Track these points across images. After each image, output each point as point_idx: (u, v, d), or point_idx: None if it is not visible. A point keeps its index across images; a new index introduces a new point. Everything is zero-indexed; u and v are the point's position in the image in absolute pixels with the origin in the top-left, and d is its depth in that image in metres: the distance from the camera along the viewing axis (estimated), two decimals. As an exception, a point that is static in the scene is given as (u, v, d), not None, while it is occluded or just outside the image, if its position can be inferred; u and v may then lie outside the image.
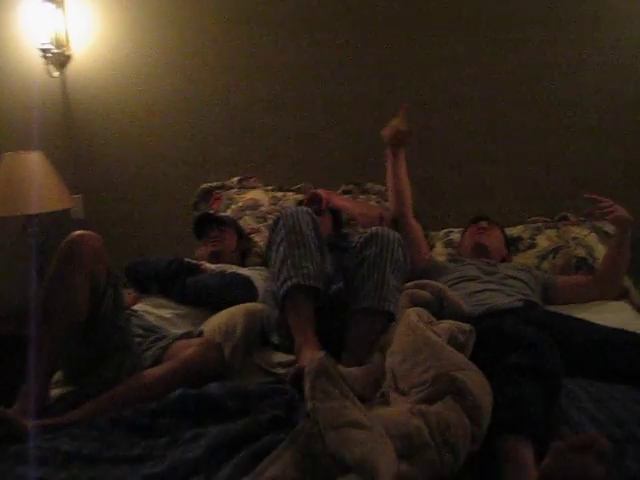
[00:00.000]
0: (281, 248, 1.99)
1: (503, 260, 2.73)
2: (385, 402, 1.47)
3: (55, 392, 1.93)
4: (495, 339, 1.61)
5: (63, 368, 2.00)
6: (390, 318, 1.92)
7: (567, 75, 3.04)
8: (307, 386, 1.22)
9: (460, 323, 1.63)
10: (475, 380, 1.33)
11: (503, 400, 1.38)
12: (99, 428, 1.54)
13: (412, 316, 1.60)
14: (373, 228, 2.01)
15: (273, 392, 1.64)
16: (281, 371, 1.98)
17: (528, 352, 1.48)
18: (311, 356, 1.56)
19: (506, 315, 2.04)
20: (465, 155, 3.15)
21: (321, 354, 1.29)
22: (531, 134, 3.10)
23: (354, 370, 1.65)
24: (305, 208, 2.09)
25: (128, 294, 2.50)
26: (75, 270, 1.79)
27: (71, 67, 3.36)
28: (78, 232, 1.85)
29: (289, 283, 1.92)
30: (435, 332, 1.52)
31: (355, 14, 3.14)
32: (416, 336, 1.50)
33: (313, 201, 2.71)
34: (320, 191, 2.77)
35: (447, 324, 1.60)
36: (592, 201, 2.41)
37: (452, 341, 1.55)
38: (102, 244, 1.88)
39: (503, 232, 2.82)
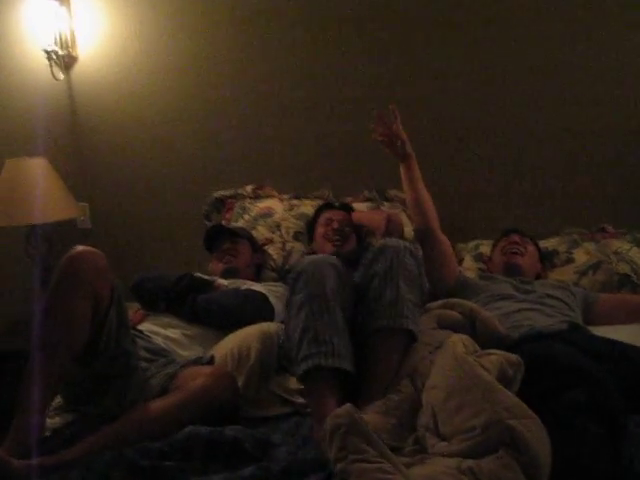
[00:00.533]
0: (302, 314, 1.71)
1: (538, 276, 2.54)
2: (421, 450, 1.26)
3: (53, 421, 1.78)
4: (548, 371, 1.42)
5: (62, 392, 1.86)
6: (410, 337, 1.72)
7: (601, 78, 2.87)
8: (334, 445, 1.02)
9: (508, 354, 1.43)
10: (534, 431, 1.13)
11: (563, 449, 1.18)
12: (97, 471, 1.36)
13: (458, 347, 1.40)
14: (381, 240, 1.83)
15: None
16: (300, 400, 1.81)
17: (591, 389, 1.28)
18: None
19: (550, 340, 1.83)
20: (494, 163, 2.99)
21: (347, 405, 1.09)
22: (563, 140, 2.93)
23: (371, 416, 1.43)
24: (330, 259, 1.82)
25: (135, 311, 2.35)
26: (75, 290, 1.64)
27: (77, 69, 3.24)
28: (78, 248, 1.70)
29: (309, 363, 1.64)
30: (484, 366, 1.32)
31: (371, 18, 2.99)
32: (464, 372, 1.30)
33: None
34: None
35: (495, 356, 1.40)
36: None
37: (500, 375, 1.35)
38: (105, 261, 1.72)
39: (537, 246, 2.62)
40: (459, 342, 1.45)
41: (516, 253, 2.48)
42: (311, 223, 2.80)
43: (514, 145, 2.96)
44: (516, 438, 1.10)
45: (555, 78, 2.89)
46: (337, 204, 2.82)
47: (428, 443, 1.27)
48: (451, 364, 1.36)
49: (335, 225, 2.63)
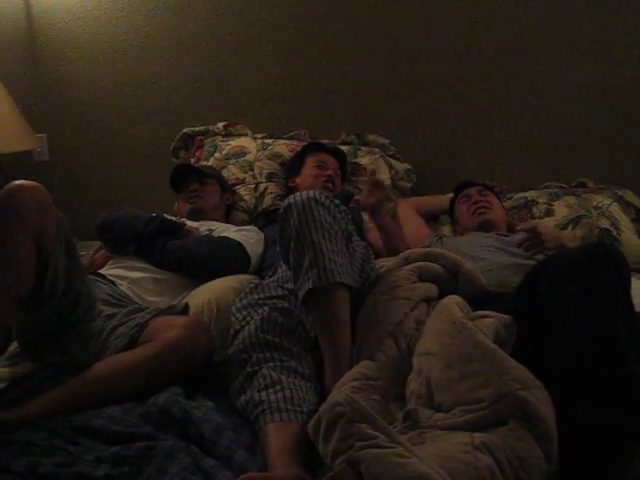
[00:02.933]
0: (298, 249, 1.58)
1: (510, 226, 2.51)
2: (413, 425, 1.18)
3: (11, 370, 1.67)
4: None
5: (19, 340, 1.74)
6: (348, 289, 1.57)
7: (585, 32, 2.80)
8: (335, 436, 0.93)
9: (501, 316, 1.35)
10: (543, 402, 1.07)
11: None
12: (64, 436, 1.27)
13: (455, 311, 1.32)
14: (289, 197, 1.65)
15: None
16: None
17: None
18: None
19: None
20: (474, 114, 2.91)
21: (345, 392, 1.00)
22: (545, 94, 2.87)
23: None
24: (319, 194, 1.65)
25: (97, 251, 2.30)
26: (17, 228, 1.49)
27: (37, -13, 2.99)
28: (16, 182, 1.52)
29: (308, 285, 1.52)
30: (482, 332, 1.24)
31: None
32: (465, 339, 1.21)
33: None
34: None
35: (489, 319, 1.32)
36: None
37: (495, 339, 1.28)
38: (48, 195, 1.56)
39: (493, 191, 2.59)
40: (455, 305, 1.36)
41: (484, 208, 2.44)
42: (298, 159, 2.67)
43: (495, 98, 2.88)
44: (528, 410, 1.04)
45: (539, 30, 2.80)
46: (330, 147, 2.70)
47: (421, 415, 1.19)
48: (449, 330, 1.28)
49: (330, 172, 2.54)
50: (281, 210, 1.63)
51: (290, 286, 1.69)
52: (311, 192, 1.62)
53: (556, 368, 1.23)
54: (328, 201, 1.62)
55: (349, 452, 0.97)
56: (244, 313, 1.65)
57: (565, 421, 1.11)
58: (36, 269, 1.52)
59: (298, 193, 1.64)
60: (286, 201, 1.63)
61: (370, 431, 0.98)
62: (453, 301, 1.40)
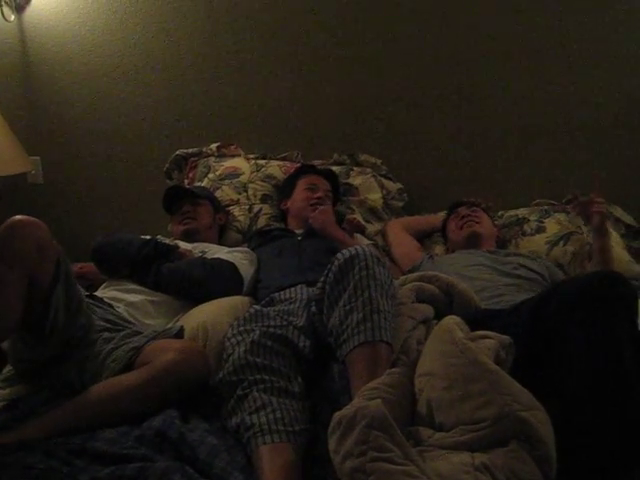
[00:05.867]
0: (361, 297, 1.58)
1: (502, 243, 2.58)
2: (415, 444, 1.19)
3: (4, 392, 1.66)
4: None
5: (13, 366, 1.74)
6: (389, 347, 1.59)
7: (582, 44, 2.81)
8: (352, 437, 0.93)
9: (501, 336, 1.37)
10: (544, 423, 1.08)
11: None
12: (59, 458, 1.26)
13: (456, 332, 1.32)
14: (351, 249, 1.66)
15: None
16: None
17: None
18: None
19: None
20: (464, 131, 2.92)
21: (378, 401, 1.01)
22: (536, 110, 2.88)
23: None
24: (378, 254, 1.72)
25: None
26: (10, 268, 1.48)
27: (30, 11, 3.00)
28: (16, 219, 1.52)
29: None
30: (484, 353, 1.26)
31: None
32: (467, 360, 1.22)
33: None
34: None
35: (490, 340, 1.33)
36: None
37: (495, 359, 1.29)
38: (48, 233, 1.56)
39: (483, 209, 2.63)
40: (455, 326, 1.37)
41: (472, 222, 2.48)
42: (289, 182, 2.71)
43: (486, 115, 2.90)
44: (529, 431, 1.06)
45: (529, 45, 2.82)
46: (322, 169, 2.74)
47: (422, 434, 1.20)
48: (451, 351, 1.29)
49: (320, 194, 2.58)
50: (341, 260, 1.63)
51: (291, 319, 1.72)
52: (373, 250, 1.67)
53: (564, 390, 1.25)
54: (386, 263, 1.68)
55: (360, 459, 0.97)
56: (239, 338, 1.65)
57: (569, 442, 1.13)
58: (33, 306, 1.53)
59: (360, 247, 1.66)
60: (346, 252, 1.65)
61: (386, 443, 0.98)
62: (453, 322, 1.41)
